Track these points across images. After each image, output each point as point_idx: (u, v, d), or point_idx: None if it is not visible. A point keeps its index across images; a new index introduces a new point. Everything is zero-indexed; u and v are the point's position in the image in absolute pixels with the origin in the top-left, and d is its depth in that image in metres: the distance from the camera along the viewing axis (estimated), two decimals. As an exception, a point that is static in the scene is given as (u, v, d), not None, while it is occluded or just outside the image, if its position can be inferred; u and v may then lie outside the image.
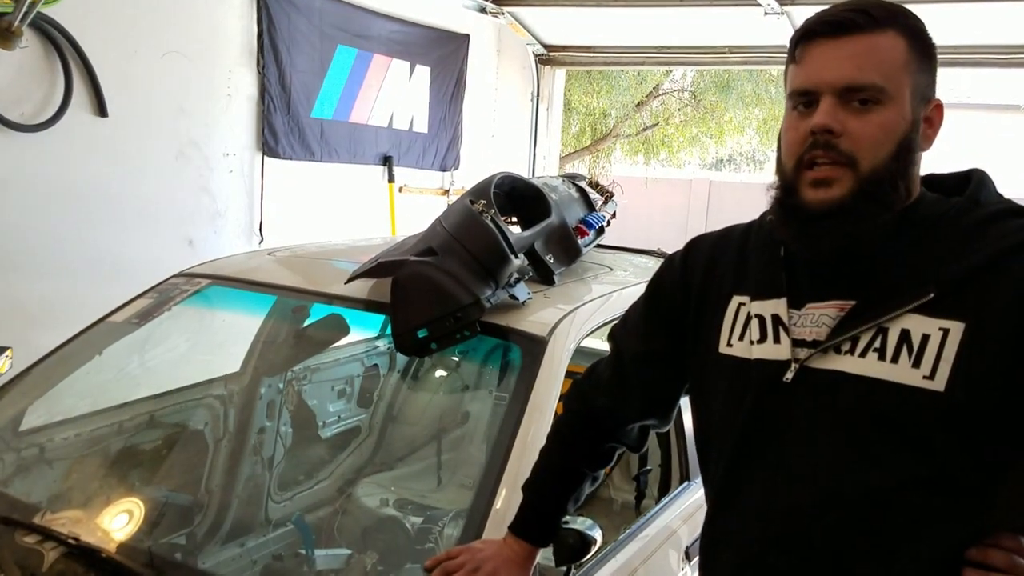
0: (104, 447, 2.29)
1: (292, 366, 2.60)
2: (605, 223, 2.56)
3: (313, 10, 4.38)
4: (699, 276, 1.27)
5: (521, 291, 1.91)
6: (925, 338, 1.01)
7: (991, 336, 0.99)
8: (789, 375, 1.09)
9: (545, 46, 5.82)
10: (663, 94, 10.48)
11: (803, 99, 1.08)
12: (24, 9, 2.95)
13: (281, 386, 2.54)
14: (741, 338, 1.17)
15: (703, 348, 1.23)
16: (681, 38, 5.41)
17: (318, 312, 2.42)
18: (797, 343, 1.10)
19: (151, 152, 3.72)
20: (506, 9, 5.25)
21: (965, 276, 1.02)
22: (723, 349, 1.20)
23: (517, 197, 2.29)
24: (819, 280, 1.11)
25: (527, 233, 2.09)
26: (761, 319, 1.15)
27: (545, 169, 6.11)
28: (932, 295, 1.02)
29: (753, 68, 8.37)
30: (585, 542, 1.46)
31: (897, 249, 1.07)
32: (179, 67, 3.76)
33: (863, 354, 1.05)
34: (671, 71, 9.94)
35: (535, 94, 5.97)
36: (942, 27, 4.30)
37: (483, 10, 5.18)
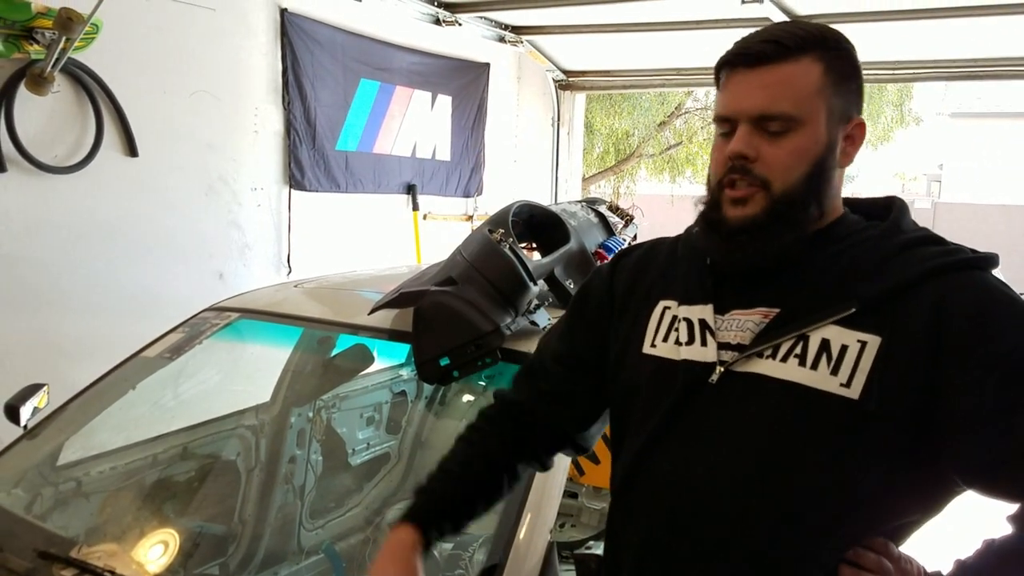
0: (139, 480, 2.34)
1: (321, 395, 2.64)
2: (625, 247, 2.57)
3: (336, 45, 4.47)
4: (624, 284, 1.32)
5: (541, 317, 1.94)
6: (844, 348, 1.07)
7: (904, 352, 1.05)
8: (714, 377, 1.14)
9: (564, 72, 5.87)
10: (686, 113, 10.50)
11: (724, 125, 1.15)
12: (55, 56, 3.05)
13: (311, 415, 2.58)
14: (666, 339, 1.21)
15: (623, 349, 1.27)
16: (699, 59, 5.42)
17: (344, 342, 2.46)
18: (723, 346, 1.15)
19: (181, 189, 3.80)
20: (525, 38, 5.31)
21: (885, 294, 1.08)
22: (646, 349, 1.23)
23: (536, 224, 2.32)
24: (745, 288, 1.17)
25: (546, 260, 2.11)
26: (689, 323, 1.19)
27: (568, 192, 6.14)
28: (854, 310, 1.07)
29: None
30: None
31: (821, 262, 1.13)
32: (206, 106, 3.85)
33: (784, 359, 1.10)
34: (692, 91, 9.95)
35: (556, 119, 6.01)
36: (964, 41, 4.31)
37: (502, 39, 5.24)
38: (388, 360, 2.83)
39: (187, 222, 3.84)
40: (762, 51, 1.10)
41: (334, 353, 2.50)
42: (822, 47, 1.11)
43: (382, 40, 4.77)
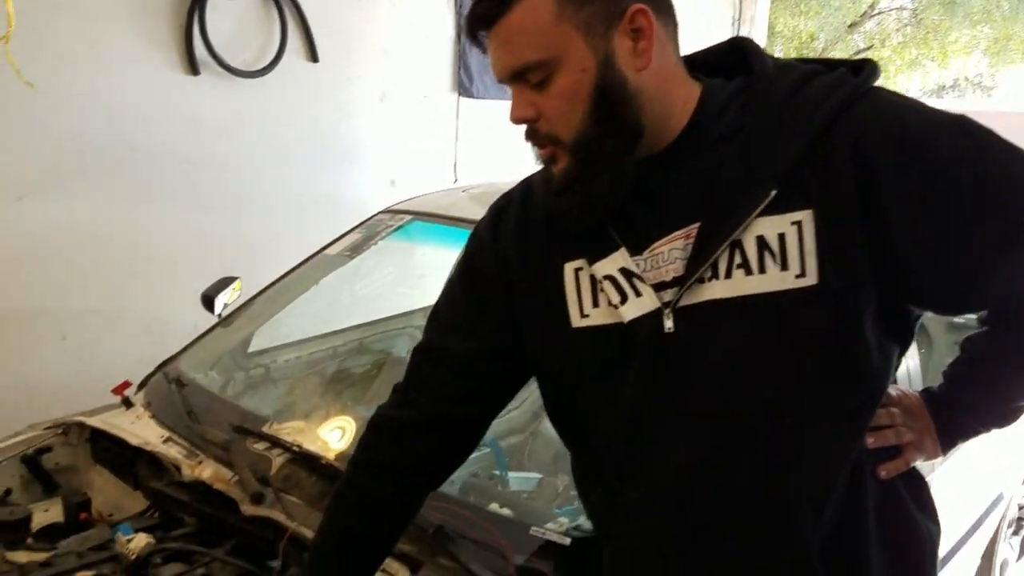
0: (321, 369, 2.50)
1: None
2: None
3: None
4: (513, 246, 1.14)
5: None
6: (782, 237, 0.96)
7: (841, 210, 0.95)
8: (669, 323, 1.00)
9: (747, -33, 5.53)
10: (879, 13, 9.68)
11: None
12: (244, -36, 3.16)
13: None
14: (596, 304, 1.06)
15: (542, 328, 1.11)
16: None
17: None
18: (659, 287, 1.01)
19: (356, 96, 3.90)
20: (705, -70, 5.02)
21: (796, 161, 0.96)
22: (577, 323, 1.07)
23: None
24: (654, 214, 1.03)
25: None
26: (612, 279, 1.04)
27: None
28: (775, 192, 0.95)
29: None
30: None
31: (716, 153, 1.00)
32: (382, 11, 3.90)
33: (728, 274, 0.97)
34: (888, -13, 9.14)
35: (736, 18, 5.69)
36: None
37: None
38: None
39: (362, 128, 3.95)
40: (485, 13, 1.00)
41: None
42: None
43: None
